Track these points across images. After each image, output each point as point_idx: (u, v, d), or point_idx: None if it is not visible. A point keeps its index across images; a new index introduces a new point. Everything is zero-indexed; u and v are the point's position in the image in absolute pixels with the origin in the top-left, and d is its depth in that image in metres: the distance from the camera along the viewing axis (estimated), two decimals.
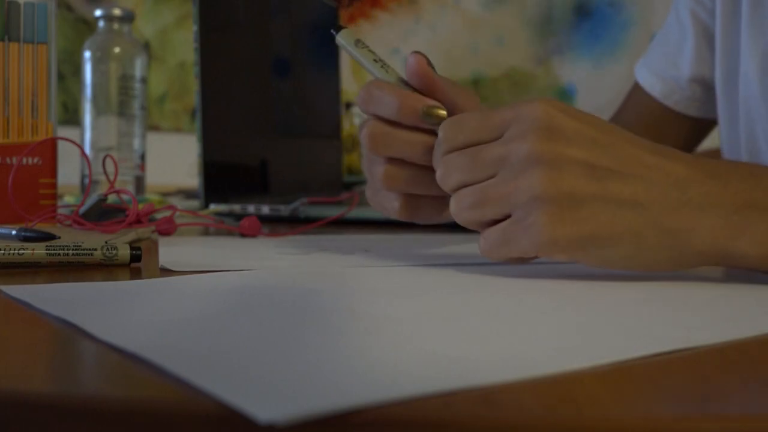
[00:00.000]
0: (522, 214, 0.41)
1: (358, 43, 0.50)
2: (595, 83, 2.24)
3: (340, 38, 0.50)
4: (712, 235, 0.41)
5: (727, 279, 0.44)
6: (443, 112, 0.46)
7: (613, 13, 2.29)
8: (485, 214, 0.42)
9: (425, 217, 0.50)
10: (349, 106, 2.61)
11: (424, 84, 0.47)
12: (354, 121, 2.59)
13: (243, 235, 0.65)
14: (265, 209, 0.78)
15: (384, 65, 0.49)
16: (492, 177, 0.42)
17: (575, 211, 0.40)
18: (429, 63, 0.48)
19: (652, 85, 0.87)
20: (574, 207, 0.40)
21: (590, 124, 0.42)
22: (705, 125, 0.88)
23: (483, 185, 0.42)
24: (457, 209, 0.43)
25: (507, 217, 0.42)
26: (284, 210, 0.78)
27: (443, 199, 0.47)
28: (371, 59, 0.50)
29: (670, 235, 0.41)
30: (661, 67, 0.87)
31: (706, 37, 0.80)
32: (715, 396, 0.23)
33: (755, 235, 0.41)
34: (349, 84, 3.14)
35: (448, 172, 0.43)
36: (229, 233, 0.68)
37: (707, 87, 0.82)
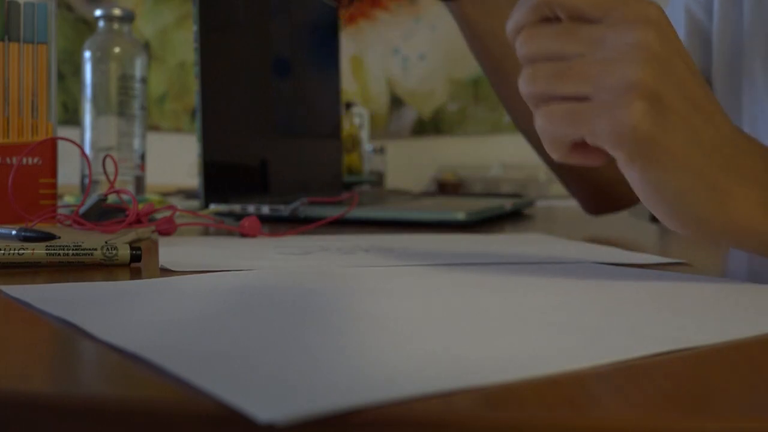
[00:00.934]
0: (608, 97, 0.38)
1: None
2: None
3: None
4: (749, 207, 0.40)
5: (726, 279, 0.44)
6: None
7: None
8: (561, 88, 0.40)
9: None
10: (349, 106, 2.61)
11: None
12: (354, 121, 2.59)
13: (243, 235, 0.65)
14: (265, 209, 0.78)
15: None
16: (581, 55, 0.40)
17: (663, 117, 0.39)
18: None
19: None
20: (663, 113, 0.39)
21: (689, 66, 0.41)
22: None
23: (568, 58, 0.40)
24: (530, 78, 0.41)
25: (581, 99, 0.39)
26: (284, 210, 0.78)
27: None
28: None
29: (714, 190, 0.40)
30: None
31: (699, 34, 0.79)
32: (715, 396, 0.23)
33: None
34: (349, 84, 3.14)
35: (530, 39, 0.41)
36: (229, 233, 0.68)
37: None
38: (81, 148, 0.67)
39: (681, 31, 0.80)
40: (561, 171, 0.82)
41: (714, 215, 0.40)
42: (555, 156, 0.41)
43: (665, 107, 0.39)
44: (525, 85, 0.41)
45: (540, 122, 0.40)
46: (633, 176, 0.40)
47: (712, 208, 0.40)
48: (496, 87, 0.81)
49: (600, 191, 0.81)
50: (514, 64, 0.51)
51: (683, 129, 0.39)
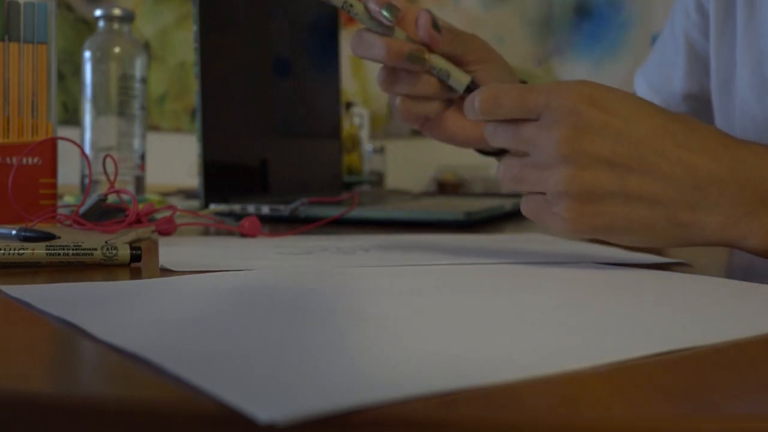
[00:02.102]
0: (551, 199, 0.45)
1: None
2: None
3: None
4: (721, 231, 0.44)
5: (726, 279, 0.44)
6: (426, 55, 0.56)
7: (613, 13, 2.29)
8: (523, 188, 0.47)
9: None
10: (349, 106, 2.61)
11: (428, 39, 0.57)
12: (354, 121, 2.59)
13: (243, 235, 0.65)
14: (265, 209, 0.78)
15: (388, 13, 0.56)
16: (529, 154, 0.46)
17: (595, 205, 0.44)
18: (434, 23, 0.57)
19: (651, 100, 0.88)
20: (595, 202, 0.44)
21: (618, 116, 0.44)
22: None
23: (522, 163, 0.47)
24: (502, 179, 0.49)
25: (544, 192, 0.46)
26: (284, 210, 0.78)
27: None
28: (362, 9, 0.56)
29: (680, 228, 0.44)
30: (658, 81, 0.88)
31: (695, 54, 0.82)
32: (715, 396, 0.23)
33: (764, 229, 0.44)
34: (349, 84, 3.14)
35: (494, 136, 0.48)
36: (229, 233, 0.68)
37: (702, 101, 0.83)
38: (81, 148, 0.67)
39: (681, 56, 0.83)
40: None
41: (686, 242, 0.45)
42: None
43: (597, 196, 0.44)
44: (500, 183, 0.49)
45: (522, 208, 0.49)
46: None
47: (679, 240, 0.45)
48: None
49: None
50: None
51: (620, 203, 0.44)
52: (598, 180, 0.44)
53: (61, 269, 0.47)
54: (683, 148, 0.44)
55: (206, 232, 0.72)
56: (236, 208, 0.79)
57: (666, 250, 0.57)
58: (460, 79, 0.57)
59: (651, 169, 0.43)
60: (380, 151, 2.70)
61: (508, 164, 0.48)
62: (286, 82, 1.02)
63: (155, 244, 0.59)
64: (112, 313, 0.33)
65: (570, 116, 0.44)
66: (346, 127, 2.50)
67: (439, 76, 0.57)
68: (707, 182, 0.43)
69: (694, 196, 0.44)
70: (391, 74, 0.58)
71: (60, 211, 0.65)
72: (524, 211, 0.48)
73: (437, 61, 0.57)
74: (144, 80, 0.98)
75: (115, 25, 0.98)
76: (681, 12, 0.83)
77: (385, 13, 0.55)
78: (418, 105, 0.59)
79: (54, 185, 0.64)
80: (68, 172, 0.90)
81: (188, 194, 1.21)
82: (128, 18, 0.99)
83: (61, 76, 2.69)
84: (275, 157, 0.97)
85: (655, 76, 0.88)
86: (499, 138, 0.48)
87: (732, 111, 0.74)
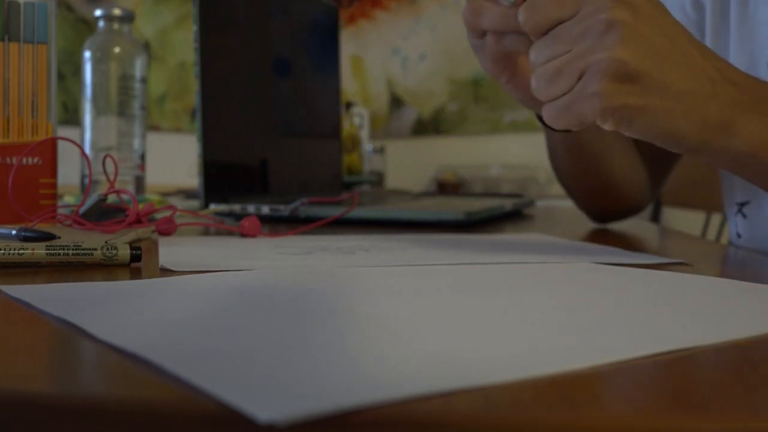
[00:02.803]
0: (588, 79, 0.47)
1: None
2: None
3: None
4: (725, 108, 0.50)
5: (726, 279, 0.44)
6: None
7: None
8: (560, 85, 0.48)
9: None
10: (349, 106, 2.61)
11: None
12: (354, 121, 2.59)
13: (243, 235, 0.65)
14: (265, 209, 0.78)
15: None
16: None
17: (631, 84, 0.47)
18: None
19: None
20: (633, 82, 0.47)
21: (656, 10, 0.49)
22: None
23: (557, 60, 0.48)
24: (536, 85, 0.50)
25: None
26: (284, 210, 0.78)
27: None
28: None
29: (695, 112, 0.49)
30: None
31: None
32: (715, 396, 0.23)
33: (753, 122, 0.50)
34: (349, 84, 3.14)
35: (536, 55, 0.50)
36: (229, 233, 0.68)
37: None
38: (81, 148, 0.67)
39: None
40: (570, 182, 0.82)
41: (695, 122, 0.49)
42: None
43: (634, 76, 0.47)
44: (536, 91, 0.50)
45: (546, 114, 0.49)
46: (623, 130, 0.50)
47: (692, 125, 0.49)
48: (565, 170, 0.82)
49: (607, 196, 0.81)
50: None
51: (652, 87, 0.48)
52: (640, 60, 0.47)
53: (61, 269, 0.47)
54: (709, 59, 0.50)
55: (206, 232, 0.72)
56: (236, 208, 0.79)
57: (665, 251, 0.57)
58: None
59: (683, 62, 0.48)
60: (380, 151, 2.71)
61: (540, 70, 0.49)
62: (286, 82, 1.03)
63: (155, 244, 0.59)
64: (112, 313, 0.33)
65: (616, 6, 0.47)
66: (346, 127, 2.49)
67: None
68: (720, 86, 0.50)
69: (708, 92, 0.49)
70: (478, 6, 0.58)
71: (60, 211, 0.65)
72: (549, 115, 0.49)
73: None
74: (144, 80, 0.98)
75: (115, 25, 0.98)
76: (677, 8, 0.83)
77: None
78: (505, 39, 0.58)
79: (54, 185, 0.64)
80: (68, 172, 0.90)
81: (188, 194, 1.21)
82: (128, 18, 0.98)
83: (61, 76, 2.69)
84: (275, 157, 0.97)
85: None
86: (539, 53, 0.49)
87: None
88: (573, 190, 0.83)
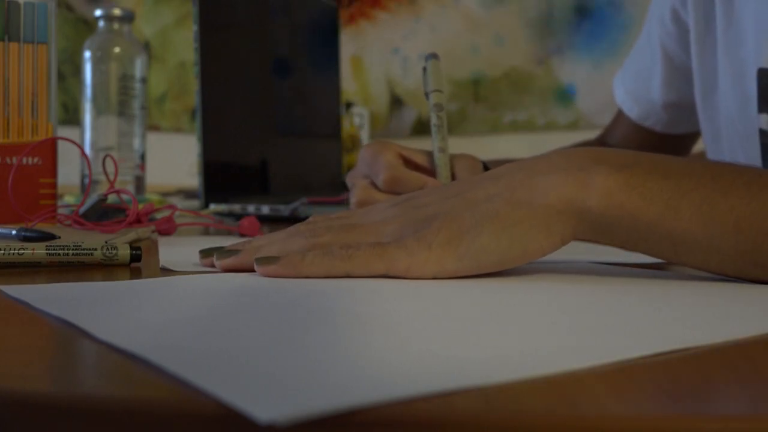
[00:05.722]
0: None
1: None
2: (595, 83, 2.24)
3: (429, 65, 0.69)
4: (562, 190, 0.42)
5: (726, 279, 0.44)
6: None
7: (613, 13, 2.29)
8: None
9: None
10: (349, 106, 2.61)
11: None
12: (354, 121, 2.59)
13: (243, 235, 0.65)
14: (265, 209, 0.78)
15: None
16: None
17: (425, 225, 0.42)
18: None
19: (630, 108, 0.89)
20: (424, 225, 0.43)
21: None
22: (691, 137, 0.89)
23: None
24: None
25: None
26: (284, 210, 0.78)
27: None
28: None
29: (524, 204, 0.42)
30: (636, 89, 0.88)
31: (672, 64, 0.82)
32: (715, 396, 0.23)
33: (597, 186, 0.41)
34: (349, 84, 3.14)
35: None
36: (229, 233, 0.68)
37: (683, 108, 0.83)
38: (81, 148, 0.67)
39: (658, 65, 0.84)
40: None
41: (542, 220, 0.42)
42: None
43: (425, 220, 0.43)
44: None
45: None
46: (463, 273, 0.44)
47: (531, 220, 0.42)
48: None
49: None
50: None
51: (454, 213, 0.43)
52: (426, 207, 0.44)
53: (61, 269, 0.47)
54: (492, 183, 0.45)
55: (206, 232, 0.72)
56: (236, 208, 0.79)
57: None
58: None
59: (480, 185, 0.44)
60: None
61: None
62: (286, 82, 1.02)
63: (155, 243, 0.59)
64: (112, 313, 0.33)
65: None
66: (346, 127, 2.50)
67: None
68: (533, 164, 0.44)
69: (525, 174, 0.43)
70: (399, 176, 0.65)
71: (60, 211, 0.65)
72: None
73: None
74: (144, 80, 0.98)
75: (115, 25, 0.98)
76: (657, 21, 0.83)
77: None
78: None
79: (54, 185, 0.64)
80: (68, 172, 0.90)
81: (188, 194, 1.21)
82: (128, 18, 0.99)
83: (61, 76, 2.69)
84: (275, 157, 0.97)
85: (633, 83, 0.89)
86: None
87: (717, 120, 0.74)
88: None
